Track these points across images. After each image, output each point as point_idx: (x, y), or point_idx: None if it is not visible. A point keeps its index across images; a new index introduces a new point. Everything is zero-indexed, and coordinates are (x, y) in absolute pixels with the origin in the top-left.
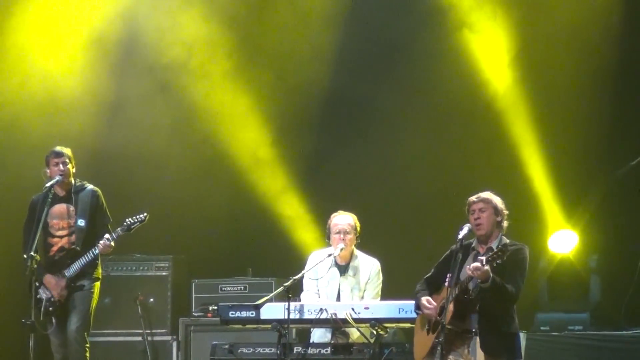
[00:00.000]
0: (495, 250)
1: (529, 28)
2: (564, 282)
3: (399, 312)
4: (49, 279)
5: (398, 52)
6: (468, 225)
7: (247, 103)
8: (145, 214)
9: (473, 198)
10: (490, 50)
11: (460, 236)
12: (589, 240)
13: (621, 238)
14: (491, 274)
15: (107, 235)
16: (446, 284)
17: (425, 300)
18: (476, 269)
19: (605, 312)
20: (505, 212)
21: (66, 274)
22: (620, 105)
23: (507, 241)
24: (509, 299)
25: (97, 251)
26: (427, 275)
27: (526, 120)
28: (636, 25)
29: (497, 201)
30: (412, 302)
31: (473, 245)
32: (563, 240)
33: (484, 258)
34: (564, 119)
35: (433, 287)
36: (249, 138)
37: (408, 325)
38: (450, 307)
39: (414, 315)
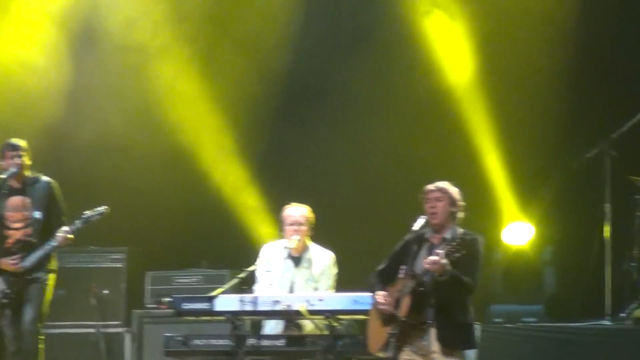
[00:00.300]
0: (449, 240)
1: (489, 19)
2: (518, 274)
3: (353, 304)
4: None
5: (362, 40)
6: (424, 217)
7: (208, 91)
8: (104, 207)
9: (430, 187)
10: (450, 40)
11: (415, 227)
12: (544, 232)
13: (576, 230)
14: (448, 267)
15: (65, 228)
16: (401, 275)
17: (380, 294)
18: (434, 262)
19: (559, 303)
20: (461, 203)
21: (23, 265)
22: (577, 98)
23: (462, 231)
24: (466, 291)
25: (55, 243)
26: (381, 267)
27: (484, 111)
28: (594, 18)
29: (454, 192)
30: (367, 294)
31: (426, 235)
32: (518, 232)
33: (442, 251)
34: (522, 110)
35: (387, 279)
36: (207, 127)
37: (362, 317)
38: (406, 300)
39: (368, 307)
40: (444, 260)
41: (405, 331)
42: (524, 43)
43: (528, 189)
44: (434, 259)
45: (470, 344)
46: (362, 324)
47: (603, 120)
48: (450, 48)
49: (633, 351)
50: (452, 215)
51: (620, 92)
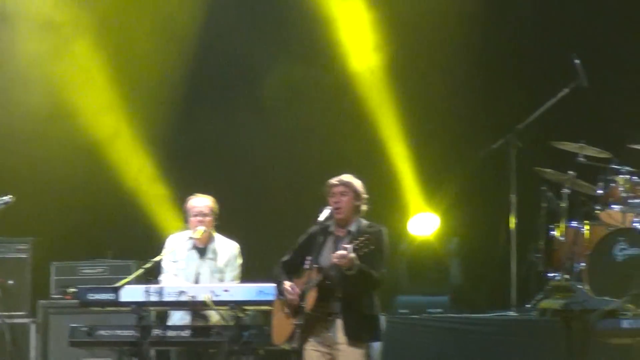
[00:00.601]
0: (356, 234)
1: (398, 8)
2: (424, 265)
3: (258, 295)
4: None
5: (277, 24)
6: (329, 208)
7: (119, 78)
8: (10, 197)
9: (334, 181)
10: (360, 28)
11: (320, 219)
12: (450, 223)
13: (481, 221)
14: (356, 262)
15: None
16: (306, 267)
17: (287, 285)
18: (342, 257)
19: (465, 294)
20: (365, 196)
21: None
22: (483, 89)
23: (366, 223)
24: (374, 284)
25: None
26: (285, 258)
27: (391, 101)
28: (500, 9)
29: (358, 185)
30: (272, 285)
31: (331, 229)
32: (424, 223)
33: (349, 246)
34: (428, 101)
35: (292, 271)
36: (110, 116)
37: (267, 307)
38: (312, 292)
39: (273, 297)
40: (352, 255)
41: (311, 323)
42: (432, 34)
43: (434, 180)
44: (342, 253)
45: (376, 336)
46: (268, 315)
47: (508, 111)
48: (359, 36)
49: (538, 342)
50: (356, 209)
51: (525, 83)
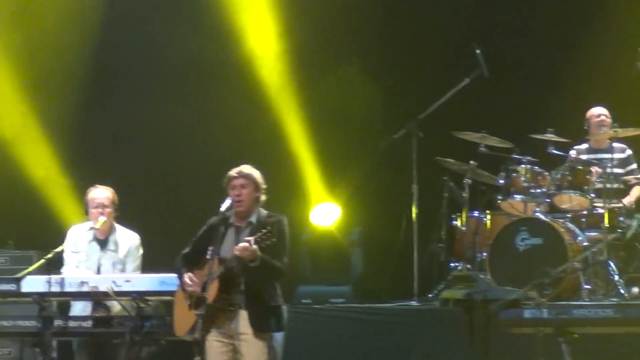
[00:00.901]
0: (256, 226)
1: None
2: (326, 255)
3: (160, 285)
4: None
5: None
6: (230, 198)
7: (13, 68)
8: None
9: (233, 173)
10: (260, 16)
11: (222, 209)
12: (352, 213)
13: (383, 211)
14: (259, 253)
15: None
16: (208, 258)
17: (187, 277)
18: (244, 249)
19: (367, 284)
20: (264, 186)
21: None
22: (384, 80)
23: (265, 212)
24: (277, 274)
25: None
26: (186, 250)
27: (292, 91)
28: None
29: (257, 176)
30: (173, 275)
31: (231, 220)
32: (325, 213)
33: (251, 238)
34: (330, 91)
35: (193, 262)
36: (15, 108)
37: (169, 298)
38: (215, 283)
39: (175, 288)
40: (254, 247)
41: (213, 314)
42: (332, 23)
43: (335, 169)
44: (244, 245)
45: (280, 326)
46: (170, 305)
47: (410, 101)
48: (262, 21)
49: (440, 332)
50: (256, 200)
51: (426, 73)
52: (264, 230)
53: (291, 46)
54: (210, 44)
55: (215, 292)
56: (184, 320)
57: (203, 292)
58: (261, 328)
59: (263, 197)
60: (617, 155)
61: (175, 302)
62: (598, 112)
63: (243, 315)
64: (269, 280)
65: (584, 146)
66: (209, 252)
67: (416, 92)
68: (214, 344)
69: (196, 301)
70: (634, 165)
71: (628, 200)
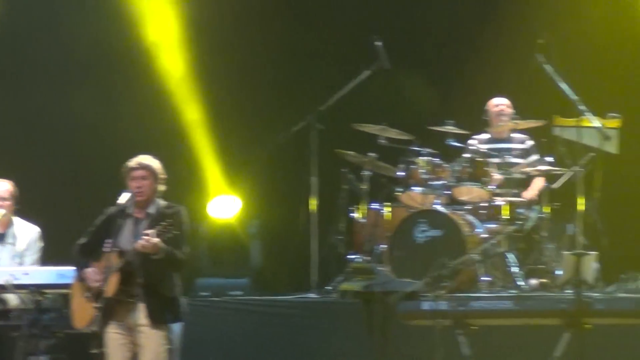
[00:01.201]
0: (153, 215)
1: None
2: (224, 248)
3: (59, 278)
4: None
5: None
6: (128, 192)
7: None
8: None
9: (133, 164)
10: (158, 9)
11: (121, 201)
12: (251, 206)
13: (283, 203)
14: (161, 245)
15: None
16: (107, 250)
17: (89, 272)
18: (146, 242)
19: (265, 277)
20: (163, 177)
21: None
22: (285, 71)
23: (164, 203)
24: (179, 265)
25: None
26: (83, 241)
27: (191, 82)
28: None
29: (157, 167)
30: (72, 268)
31: (129, 210)
32: (224, 205)
33: (153, 231)
34: (229, 82)
35: (90, 253)
36: None
37: (67, 291)
38: (114, 276)
39: (73, 281)
40: (156, 240)
41: (112, 307)
42: (233, 15)
43: (235, 162)
44: (146, 239)
45: (177, 318)
46: (68, 298)
47: (310, 93)
48: (157, 18)
49: (339, 324)
50: (156, 191)
51: (327, 65)
52: (164, 223)
53: (193, 35)
54: (115, 32)
55: (115, 285)
56: (82, 312)
57: (102, 285)
58: (159, 320)
59: (162, 188)
60: (517, 146)
61: (73, 294)
62: (498, 102)
63: (141, 308)
64: (171, 271)
65: (485, 136)
66: (108, 245)
67: (316, 84)
68: (113, 336)
69: (95, 294)
70: (537, 156)
71: (530, 194)
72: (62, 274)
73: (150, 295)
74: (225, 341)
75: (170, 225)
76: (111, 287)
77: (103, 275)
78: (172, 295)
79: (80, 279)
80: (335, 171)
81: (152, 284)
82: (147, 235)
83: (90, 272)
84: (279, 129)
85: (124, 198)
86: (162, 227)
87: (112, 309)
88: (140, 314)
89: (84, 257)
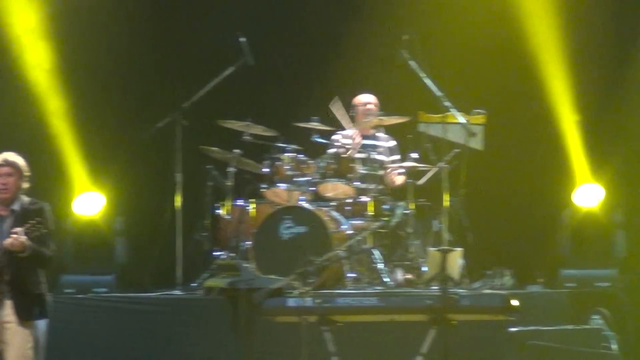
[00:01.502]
0: (18, 212)
1: None
2: (89, 244)
3: None
4: None
5: None
6: None
7: None
8: None
9: None
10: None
11: None
12: (115, 202)
13: (147, 200)
14: (28, 243)
15: None
16: None
17: None
18: (14, 241)
19: (130, 274)
20: (28, 174)
21: None
22: (148, 67)
23: (27, 199)
24: (46, 262)
25: None
26: None
27: (57, 77)
28: None
29: (22, 164)
30: None
31: None
32: (88, 202)
33: (20, 229)
34: (93, 78)
35: None
36: None
37: None
38: None
39: None
40: (23, 238)
41: None
42: (98, 10)
43: (99, 158)
44: (14, 237)
45: (44, 314)
46: None
47: (174, 89)
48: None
49: (204, 321)
50: (20, 188)
51: (191, 61)
52: (32, 221)
53: (57, 29)
54: None
55: None
56: None
57: None
58: (25, 316)
59: (26, 185)
60: (382, 143)
61: None
62: (365, 101)
63: (8, 304)
64: (38, 267)
65: (350, 131)
66: None
67: (181, 80)
68: None
69: None
70: (398, 157)
71: (400, 180)
72: None
73: (17, 291)
74: (90, 338)
75: (39, 224)
76: None
77: None
78: (38, 292)
79: None
80: (200, 168)
81: (19, 281)
82: (15, 233)
83: None
84: (144, 126)
85: None
86: (30, 225)
87: None
88: (6, 311)
89: None
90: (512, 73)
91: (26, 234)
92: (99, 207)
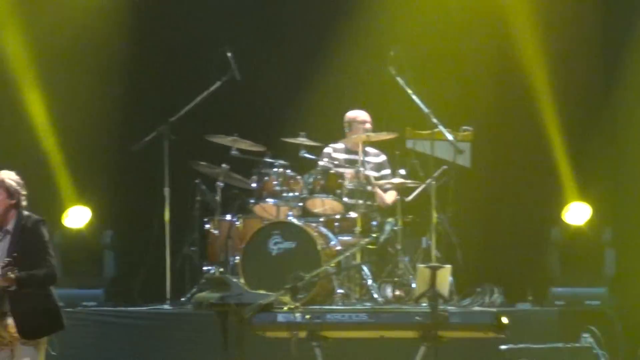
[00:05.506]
0: (12, 232)
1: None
2: (78, 258)
3: None
4: None
5: None
6: None
7: None
8: None
9: None
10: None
11: None
12: (104, 216)
13: (136, 214)
14: (12, 276)
15: None
16: None
17: None
18: None
19: (120, 288)
20: (23, 192)
21: None
22: (136, 81)
23: (25, 215)
24: (46, 282)
25: None
26: None
27: (42, 89)
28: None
29: (11, 183)
30: None
31: None
32: (78, 216)
33: None
34: (81, 92)
35: None
36: None
37: None
38: None
39: None
40: (7, 276)
41: None
42: (83, 22)
43: (86, 172)
44: None
45: (54, 327)
46: None
47: (162, 104)
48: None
49: (193, 336)
50: (13, 206)
51: (179, 76)
52: (7, 260)
53: (39, 41)
54: None
55: None
56: None
57: None
58: (31, 335)
59: (24, 203)
60: (371, 159)
61: None
62: (363, 119)
63: (11, 322)
64: (39, 287)
65: (340, 145)
66: None
67: (168, 94)
68: None
69: None
70: (388, 171)
71: (389, 199)
72: None
73: (20, 310)
74: (79, 352)
75: (11, 265)
76: None
77: None
78: (44, 307)
79: None
80: (189, 182)
81: (21, 299)
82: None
83: None
84: (131, 139)
85: None
86: (5, 267)
87: None
88: (12, 329)
89: None
90: (500, 90)
91: (3, 274)
92: (88, 220)
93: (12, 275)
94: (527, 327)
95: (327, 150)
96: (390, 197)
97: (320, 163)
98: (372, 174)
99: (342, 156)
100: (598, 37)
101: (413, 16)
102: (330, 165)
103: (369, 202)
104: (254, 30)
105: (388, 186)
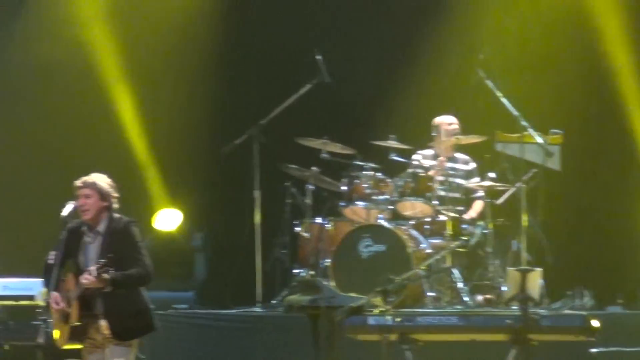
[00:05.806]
0: (103, 234)
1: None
2: (169, 261)
3: (3, 290)
4: None
5: None
6: (72, 203)
7: None
8: None
9: (79, 183)
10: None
11: (64, 214)
12: (194, 219)
13: (226, 216)
14: (107, 276)
15: None
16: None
17: (52, 298)
18: (90, 282)
19: (210, 290)
20: (115, 195)
21: None
22: (226, 84)
23: (116, 217)
24: (140, 281)
25: None
26: (50, 259)
27: (131, 96)
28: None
29: (104, 185)
30: (18, 280)
31: (82, 228)
32: (168, 219)
33: (93, 268)
34: (172, 96)
35: (59, 269)
36: None
37: (12, 302)
38: (76, 303)
39: (20, 292)
40: (102, 277)
41: (80, 329)
42: (173, 28)
43: (178, 175)
44: (88, 278)
45: (149, 328)
46: (10, 310)
47: (252, 106)
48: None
49: (284, 338)
50: (105, 209)
51: (268, 78)
52: (102, 261)
53: (129, 50)
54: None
55: (77, 311)
56: (60, 331)
57: (67, 306)
58: (124, 336)
59: (116, 205)
60: (461, 166)
61: (53, 313)
62: (450, 121)
63: (105, 325)
64: (133, 288)
65: (430, 152)
66: (67, 264)
67: (258, 97)
68: (84, 353)
69: (65, 315)
70: (478, 179)
71: (470, 215)
72: (6, 286)
73: (113, 311)
74: (170, 355)
75: (108, 264)
76: (74, 315)
77: (64, 300)
78: (137, 308)
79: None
80: (279, 185)
81: (114, 303)
82: (89, 272)
83: (53, 298)
84: (222, 142)
85: (67, 209)
86: (101, 267)
87: (80, 330)
88: (105, 331)
89: (50, 274)
90: (590, 92)
91: (98, 275)
92: (177, 223)
93: (107, 276)
94: (618, 330)
95: (415, 156)
96: (474, 211)
97: (408, 170)
98: (460, 181)
99: (431, 163)
100: None
101: (502, 19)
102: (421, 170)
103: (457, 208)
104: (344, 33)
105: (476, 195)
